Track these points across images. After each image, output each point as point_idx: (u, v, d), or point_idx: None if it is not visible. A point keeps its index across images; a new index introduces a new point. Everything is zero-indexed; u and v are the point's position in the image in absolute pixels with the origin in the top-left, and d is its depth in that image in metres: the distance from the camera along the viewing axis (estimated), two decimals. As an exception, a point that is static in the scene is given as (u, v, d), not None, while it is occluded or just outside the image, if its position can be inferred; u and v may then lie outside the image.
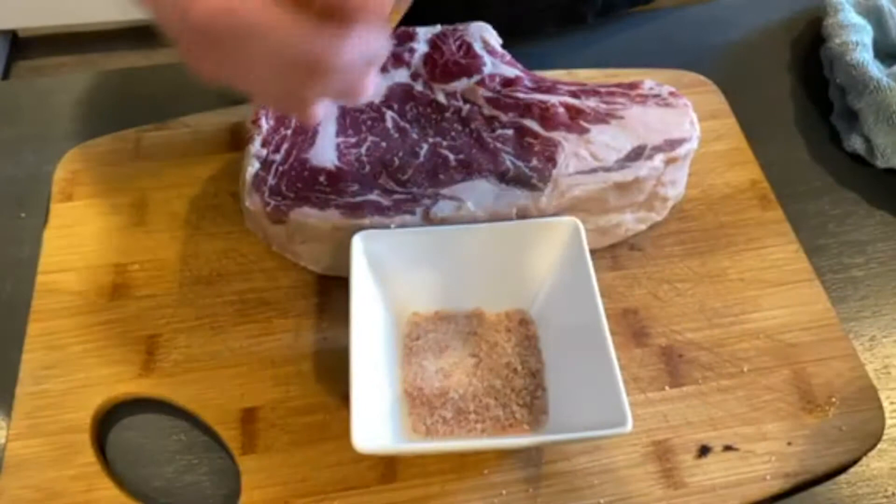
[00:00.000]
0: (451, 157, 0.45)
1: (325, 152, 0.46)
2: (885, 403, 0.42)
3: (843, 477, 0.41)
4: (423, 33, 0.51)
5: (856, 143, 0.53)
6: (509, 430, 0.40)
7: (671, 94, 0.48)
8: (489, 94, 0.48)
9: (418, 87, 0.48)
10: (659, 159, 0.45)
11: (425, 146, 0.46)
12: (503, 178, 0.44)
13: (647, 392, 0.42)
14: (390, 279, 0.43)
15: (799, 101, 0.58)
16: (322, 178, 0.44)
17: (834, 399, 0.42)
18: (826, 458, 0.40)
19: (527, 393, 0.41)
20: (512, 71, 0.49)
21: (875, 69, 0.53)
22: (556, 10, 0.61)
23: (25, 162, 0.53)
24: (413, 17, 0.51)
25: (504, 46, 0.51)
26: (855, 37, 0.55)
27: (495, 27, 0.52)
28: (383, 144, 0.46)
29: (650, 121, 0.46)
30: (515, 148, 0.45)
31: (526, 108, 0.47)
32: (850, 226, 0.51)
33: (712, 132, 0.52)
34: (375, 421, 0.37)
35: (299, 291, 0.46)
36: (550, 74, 0.51)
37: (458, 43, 0.50)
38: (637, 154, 0.45)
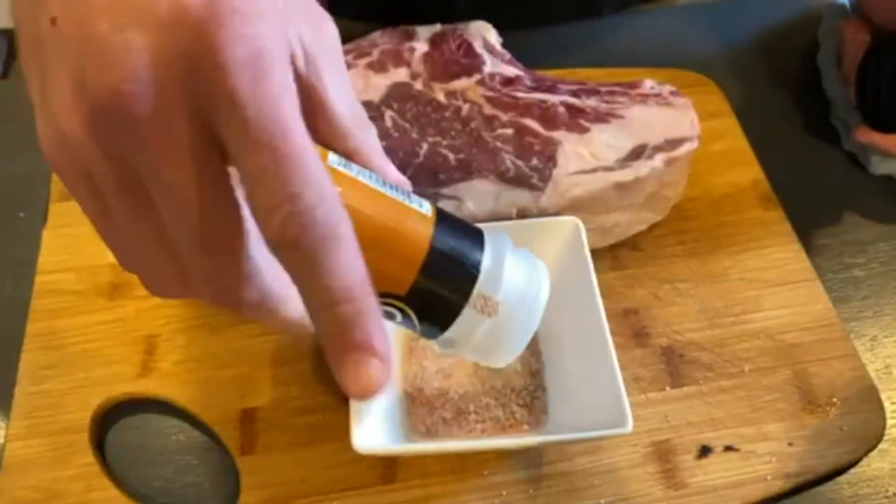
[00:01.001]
0: (451, 156, 0.45)
1: (325, 152, 0.46)
2: (887, 404, 0.42)
3: (844, 477, 0.41)
4: (423, 32, 0.51)
5: (855, 144, 0.53)
6: (509, 431, 0.40)
7: (672, 93, 0.48)
8: (489, 93, 0.47)
9: (418, 86, 0.48)
10: (659, 159, 0.45)
11: (425, 146, 0.46)
12: (503, 177, 0.44)
13: (647, 392, 0.42)
14: (390, 279, 0.43)
15: (799, 101, 0.58)
16: (322, 178, 0.44)
17: (835, 399, 0.42)
18: (827, 459, 0.40)
19: (527, 393, 0.41)
20: (512, 70, 0.49)
21: None
22: (572, 2, 0.61)
23: (25, 162, 0.53)
24: (424, 6, 0.50)
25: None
26: None
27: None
28: (383, 144, 0.46)
29: (651, 120, 0.46)
30: (515, 147, 0.45)
31: (526, 108, 0.46)
32: (850, 226, 0.51)
33: (713, 132, 0.52)
34: (375, 421, 0.37)
35: (299, 291, 0.46)
36: (550, 73, 0.51)
37: (457, 42, 0.50)
38: (637, 154, 0.45)
